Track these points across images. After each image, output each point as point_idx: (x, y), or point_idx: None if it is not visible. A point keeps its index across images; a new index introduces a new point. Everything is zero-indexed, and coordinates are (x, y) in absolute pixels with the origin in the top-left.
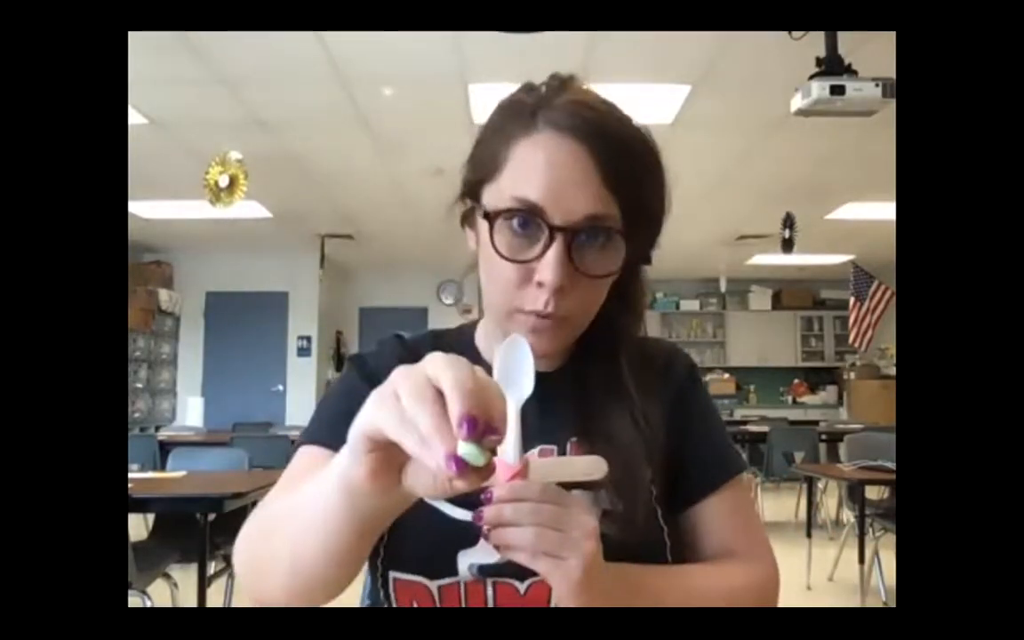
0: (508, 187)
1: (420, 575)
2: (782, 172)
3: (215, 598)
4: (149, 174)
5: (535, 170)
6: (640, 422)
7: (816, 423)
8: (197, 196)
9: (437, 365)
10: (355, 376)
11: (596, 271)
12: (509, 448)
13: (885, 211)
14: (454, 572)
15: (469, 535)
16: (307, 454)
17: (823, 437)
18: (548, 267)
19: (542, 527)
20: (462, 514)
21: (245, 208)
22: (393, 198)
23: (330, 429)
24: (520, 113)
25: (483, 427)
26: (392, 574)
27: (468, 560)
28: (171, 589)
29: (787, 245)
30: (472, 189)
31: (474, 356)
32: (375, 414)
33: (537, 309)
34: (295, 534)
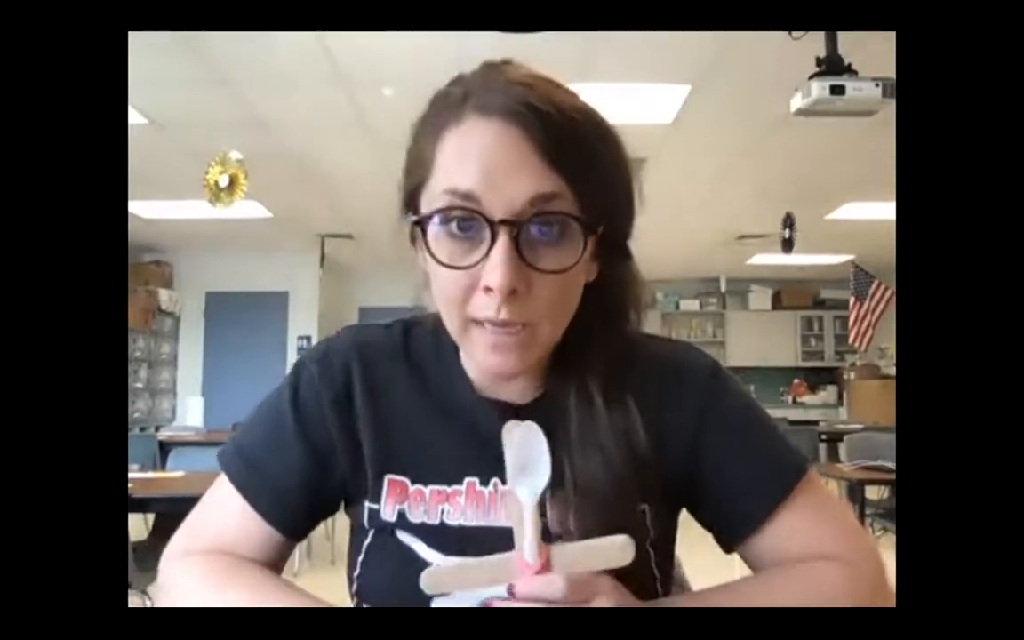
0: (439, 185)
1: None
2: (782, 172)
3: None
4: (149, 174)
5: (465, 160)
6: (623, 460)
7: (816, 423)
8: (197, 196)
9: None
10: (287, 410)
11: (553, 265)
12: (527, 544)
13: (885, 211)
14: None
15: None
16: (230, 504)
17: (823, 437)
18: (494, 269)
19: None
20: (443, 561)
21: (245, 208)
22: (393, 198)
23: (251, 472)
24: (448, 104)
25: None
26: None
27: (445, 606)
28: None
29: (787, 245)
30: (410, 200)
31: (452, 353)
32: None
33: (490, 316)
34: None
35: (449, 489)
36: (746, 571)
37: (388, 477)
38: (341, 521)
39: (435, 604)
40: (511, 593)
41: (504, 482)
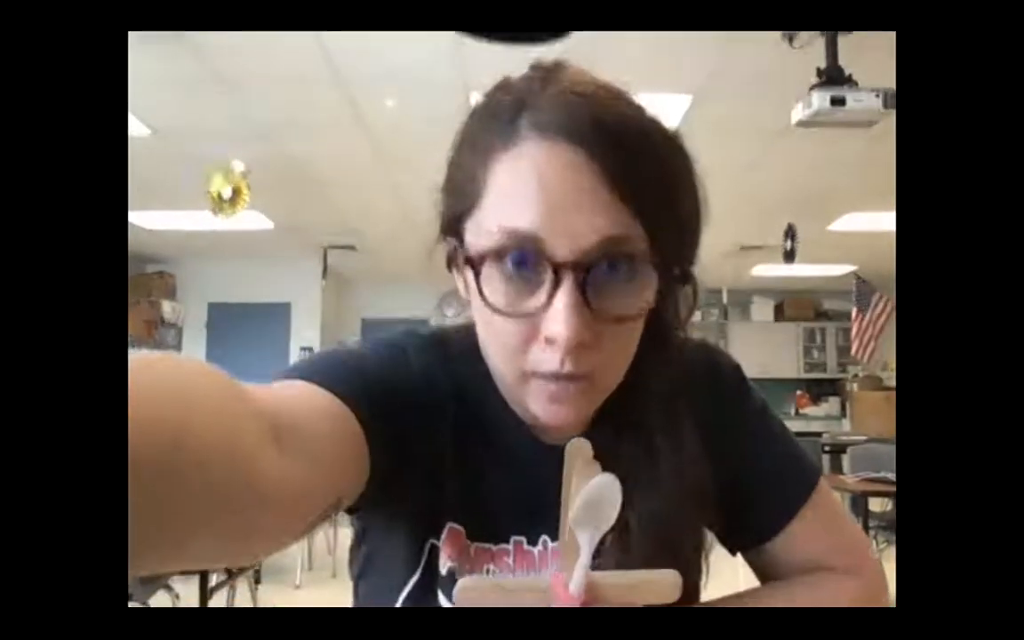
0: (492, 218)
1: None
2: (783, 183)
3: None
4: (151, 184)
5: (524, 191)
6: (679, 486)
7: (819, 435)
8: (200, 206)
9: None
10: (399, 360)
11: (622, 311)
12: (575, 577)
13: (887, 222)
14: None
15: None
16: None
17: (826, 449)
18: (558, 319)
19: None
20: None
21: (247, 218)
22: (396, 209)
23: (349, 383)
24: (497, 118)
25: None
26: None
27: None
28: (172, 601)
29: (789, 256)
30: (451, 225)
31: (482, 372)
32: None
33: (552, 370)
34: None
35: (495, 549)
36: (749, 576)
37: (449, 524)
38: (342, 537)
39: None
40: None
41: (553, 538)
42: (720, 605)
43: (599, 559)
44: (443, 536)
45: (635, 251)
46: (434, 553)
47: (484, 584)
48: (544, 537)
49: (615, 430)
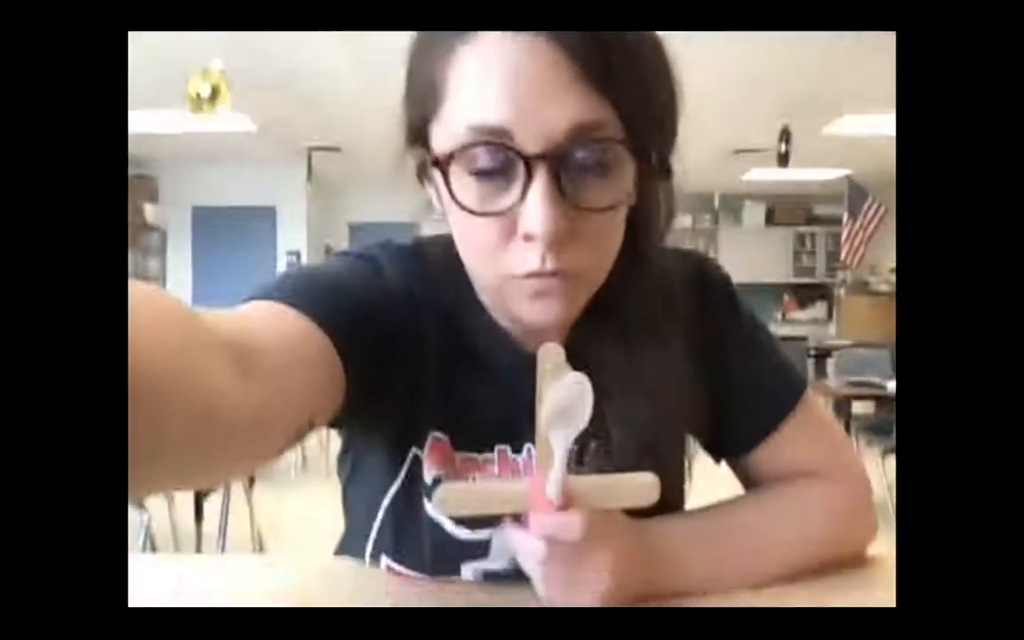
0: (457, 116)
1: (418, 572)
2: (779, 86)
3: (211, 519)
4: (130, 86)
5: (489, 85)
6: (662, 393)
7: (805, 339)
8: (180, 106)
9: None
10: (374, 258)
11: (600, 201)
12: (552, 479)
13: (884, 125)
14: (456, 576)
15: (477, 549)
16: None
17: (811, 353)
18: (533, 212)
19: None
20: (467, 535)
21: (229, 120)
22: (382, 109)
23: (322, 303)
24: None
25: None
26: (386, 560)
27: (473, 568)
28: (167, 500)
29: (783, 160)
30: (416, 133)
31: (471, 289)
32: None
33: (532, 269)
34: None
35: (480, 458)
36: (732, 483)
37: (433, 433)
38: (335, 435)
39: (464, 564)
40: (526, 525)
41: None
42: (697, 518)
43: (582, 466)
44: (427, 446)
45: (608, 137)
46: (417, 462)
47: (463, 489)
48: (528, 445)
49: (598, 336)
